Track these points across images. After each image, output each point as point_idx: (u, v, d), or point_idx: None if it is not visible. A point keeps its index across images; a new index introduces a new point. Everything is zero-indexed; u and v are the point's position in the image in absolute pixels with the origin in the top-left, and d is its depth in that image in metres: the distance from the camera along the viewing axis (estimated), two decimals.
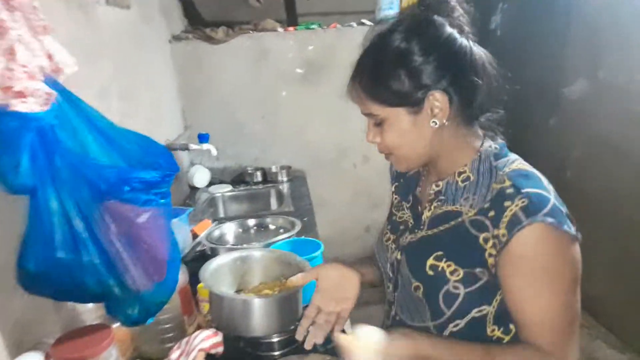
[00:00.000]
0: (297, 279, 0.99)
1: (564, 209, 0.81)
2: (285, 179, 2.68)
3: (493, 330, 0.88)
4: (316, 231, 1.84)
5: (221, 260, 1.11)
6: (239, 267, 1.13)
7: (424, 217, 0.93)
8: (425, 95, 0.85)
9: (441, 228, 0.88)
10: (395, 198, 1.09)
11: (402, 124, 0.87)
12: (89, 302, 0.96)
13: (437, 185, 0.92)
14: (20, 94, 0.80)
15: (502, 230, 0.79)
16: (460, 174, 0.89)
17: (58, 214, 0.90)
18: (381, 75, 0.87)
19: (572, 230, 0.80)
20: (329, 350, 1.04)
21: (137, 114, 1.85)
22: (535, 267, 0.79)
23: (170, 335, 1.09)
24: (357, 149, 2.89)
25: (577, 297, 0.83)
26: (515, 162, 0.86)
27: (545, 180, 0.84)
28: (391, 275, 0.99)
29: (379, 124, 0.90)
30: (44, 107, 0.83)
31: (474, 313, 0.86)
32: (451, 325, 0.87)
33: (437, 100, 0.85)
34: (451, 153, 0.90)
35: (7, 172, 0.84)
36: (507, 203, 0.79)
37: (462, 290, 0.84)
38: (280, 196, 2.49)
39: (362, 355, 0.80)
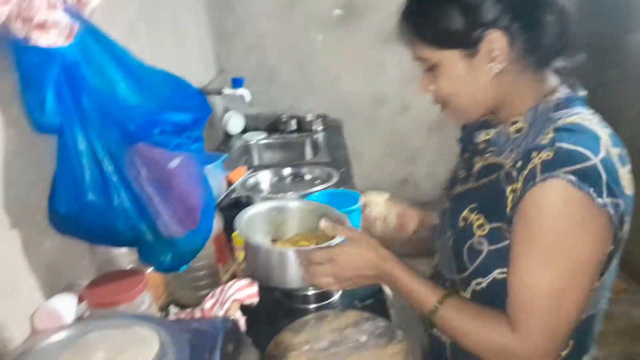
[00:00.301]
0: (327, 226, 0.93)
1: (606, 178, 0.68)
2: (320, 128, 2.60)
3: None
4: (353, 183, 1.77)
5: (257, 209, 1.07)
6: (274, 217, 1.08)
7: (475, 168, 0.88)
8: (481, 35, 0.76)
9: (483, 181, 0.83)
10: (460, 147, 1.02)
11: (457, 69, 0.79)
12: (121, 246, 0.94)
13: (487, 134, 0.84)
14: (41, 26, 0.75)
15: (519, 184, 0.72)
16: (513, 123, 0.80)
17: (87, 156, 0.86)
18: (432, 13, 0.79)
19: (603, 199, 0.68)
20: (366, 307, 1.00)
21: (167, 55, 1.78)
22: (536, 231, 0.70)
23: (204, 282, 1.07)
24: (395, 98, 2.76)
25: (585, 282, 0.71)
26: (576, 116, 0.76)
27: (606, 143, 0.73)
28: (438, 222, 0.97)
29: (432, 69, 0.82)
30: (67, 41, 0.78)
31: (496, 274, 0.80)
32: (474, 282, 0.83)
33: (496, 41, 0.76)
34: (513, 102, 0.81)
35: (33, 110, 0.81)
36: (534, 154, 0.71)
37: (485, 247, 0.79)
38: (315, 146, 2.42)
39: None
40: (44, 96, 0.80)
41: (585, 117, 0.77)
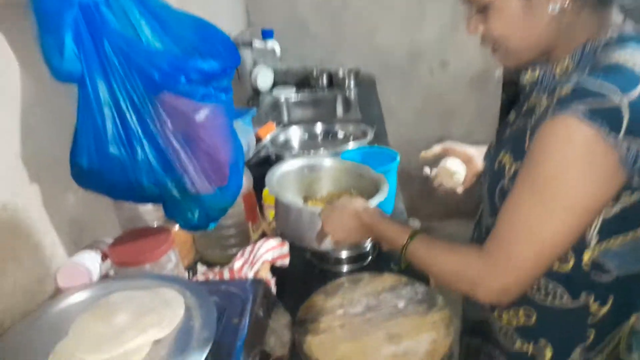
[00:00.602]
0: None
1: (631, 117, 0.61)
2: (352, 84, 2.49)
3: None
4: (387, 141, 1.69)
5: (288, 166, 1.01)
6: (306, 175, 1.03)
7: (522, 110, 0.82)
8: None
9: (523, 122, 0.77)
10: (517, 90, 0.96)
11: (511, 8, 0.71)
12: (145, 202, 0.90)
13: (533, 74, 0.79)
14: None
15: (533, 122, 0.68)
16: (560, 63, 0.75)
17: (109, 106, 0.81)
18: None
19: (616, 138, 0.61)
20: (403, 271, 0.94)
21: (193, 4, 1.69)
22: (532, 165, 0.67)
23: (233, 241, 1.03)
24: (433, 52, 2.61)
25: (573, 223, 0.66)
26: (625, 55, 0.67)
27: None
28: (485, 168, 0.92)
29: (482, 10, 0.74)
30: None
31: None
32: None
33: None
34: (568, 43, 0.73)
35: (52, 55, 0.76)
36: (557, 90, 0.66)
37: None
38: (347, 102, 2.32)
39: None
40: (62, 40, 0.74)
41: (634, 58, 0.67)
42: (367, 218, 0.85)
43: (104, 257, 0.83)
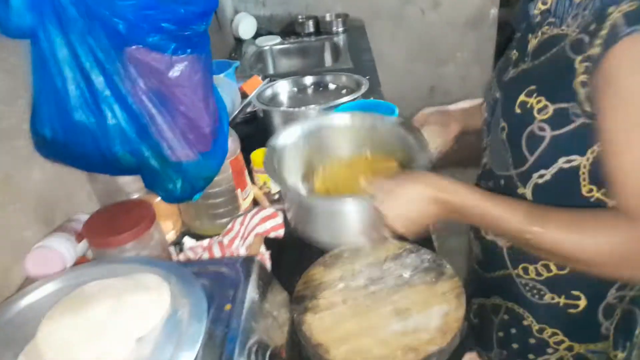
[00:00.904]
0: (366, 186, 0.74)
1: None
2: (340, 29, 2.34)
3: (590, 191, 0.69)
4: (380, 92, 1.58)
5: (287, 138, 0.85)
6: (311, 143, 0.88)
7: (529, 46, 0.74)
8: None
9: (542, 58, 0.70)
10: (513, 30, 0.87)
11: None
12: (121, 174, 0.81)
13: (544, 3, 0.71)
14: None
15: (596, 48, 0.59)
16: None
17: (69, 64, 0.70)
18: None
19: None
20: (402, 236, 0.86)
21: None
22: (628, 95, 0.58)
23: (222, 210, 0.94)
24: None
25: None
26: None
27: None
28: (487, 117, 0.84)
29: None
30: None
31: (562, 163, 0.69)
32: (535, 175, 0.72)
33: None
34: None
35: None
36: (610, 9, 0.58)
37: (548, 133, 0.68)
38: (336, 50, 2.19)
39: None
40: None
41: None
42: (449, 195, 0.68)
43: (79, 237, 0.75)
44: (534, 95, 0.69)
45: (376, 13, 2.49)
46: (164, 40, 0.69)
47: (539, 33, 0.73)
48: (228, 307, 0.60)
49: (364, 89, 1.22)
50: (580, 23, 0.64)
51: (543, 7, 0.71)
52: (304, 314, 0.72)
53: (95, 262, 0.65)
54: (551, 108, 0.66)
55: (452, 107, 1.00)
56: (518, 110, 0.71)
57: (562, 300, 0.77)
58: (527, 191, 0.74)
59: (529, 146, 0.70)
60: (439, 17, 2.50)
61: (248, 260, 0.66)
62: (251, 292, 0.62)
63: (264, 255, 0.79)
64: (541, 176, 0.72)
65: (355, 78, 1.32)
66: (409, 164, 0.80)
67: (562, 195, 0.71)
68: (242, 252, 0.77)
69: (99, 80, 0.72)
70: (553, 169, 0.70)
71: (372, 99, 1.24)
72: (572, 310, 0.77)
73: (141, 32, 0.68)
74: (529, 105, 0.69)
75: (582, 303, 0.76)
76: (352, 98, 1.18)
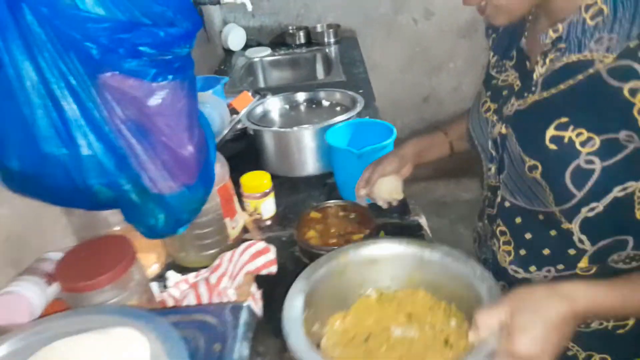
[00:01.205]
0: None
1: None
2: (332, 40, 2.29)
3: None
4: (375, 107, 1.53)
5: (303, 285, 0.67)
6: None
7: (535, 75, 0.71)
8: None
9: (562, 87, 0.67)
10: (493, 56, 0.84)
11: None
12: (98, 209, 0.74)
13: (555, 31, 0.68)
14: None
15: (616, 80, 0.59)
16: (588, 8, 0.64)
17: (38, 91, 0.64)
18: None
19: None
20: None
21: None
22: None
23: (210, 241, 0.88)
24: (417, 1, 2.41)
25: None
26: None
27: None
28: (494, 154, 0.79)
29: None
30: None
31: (617, 192, 0.65)
32: (585, 209, 0.68)
33: None
34: None
35: None
36: None
37: (598, 165, 0.64)
38: (328, 61, 2.13)
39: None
40: None
41: None
42: (579, 306, 0.58)
43: (51, 279, 0.68)
44: (570, 128, 0.65)
45: (368, 23, 2.45)
46: (143, 66, 0.63)
47: (547, 61, 0.69)
48: None
49: (359, 107, 1.16)
50: (613, 47, 0.61)
51: (555, 35, 0.68)
52: None
53: (66, 313, 0.59)
54: (598, 139, 0.63)
55: (405, 149, 0.97)
56: (553, 147, 0.67)
57: (610, 324, 0.75)
58: (574, 226, 0.70)
59: (576, 182, 0.66)
60: (431, 27, 2.47)
61: (236, 308, 0.60)
62: (240, 348, 0.56)
63: (255, 295, 0.72)
64: (592, 209, 0.67)
65: (349, 95, 1.26)
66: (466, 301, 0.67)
67: (616, 224, 0.68)
68: (231, 293, 0.71)
69: (71, 108, 0.65)
70: (607, 199, 0.66)
71: (367, 117, 1.19)
72: (620, 331, 0.75)
73: (117, 57, 0.62)
74: (566, 140, 0.65)
75: (631, 321, 0.74)
76: (347, 117, 1.12)
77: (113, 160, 0.68)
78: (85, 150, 0.67)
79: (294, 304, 0.61)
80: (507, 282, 0.82)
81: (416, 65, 2.57)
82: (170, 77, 0.64)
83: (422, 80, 2.60)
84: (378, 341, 0.66)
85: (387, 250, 0.73)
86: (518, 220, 0.77)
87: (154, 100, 0.65)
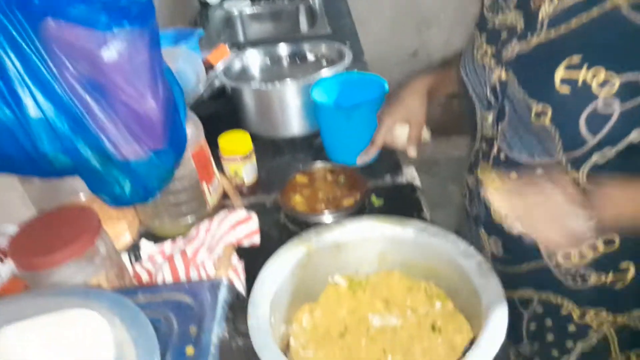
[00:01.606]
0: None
1: None
2: None
3: None
4: (363, 60, 1.44)
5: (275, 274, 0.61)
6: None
7: (541, 14, 0.65)
8: None
9: (573, 25, 0.62)
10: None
11: None
12: (55, 176, 0.66)
13: None
14: None
15: None
16: None
17: None
18: None
19: None
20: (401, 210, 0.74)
21: None
22: None
23: (186, 208, 0.82)
24: None
25: None
26: None
27: None
28: (493, 102, 0.73)
29: None
30: None
31: (634, 136, 0.62)
32: (596, 155, 0.65)
33: None
34: None
35: None
36: None
37: (617, 108, 0.60)
38: (312, 14, 2.01)
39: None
40: None
41: None
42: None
43: (3, 256, 0.61)
44: (585, 67, 0.60)
45: None
46: (92, 12, 0.54)
47: None
48: (190, 351, 0.48)
49: (347, 60, 1.08)
50: None
51: None
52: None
53: (18, 296, 0.52)
54: (617, 79, 0.58)
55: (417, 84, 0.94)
56: (565, 90, 0.62)
57: (609, 279, 0.73)
58: (580, 175, 0.67)
59: (591, 127, 0.62)
60: None
61: (214, 286, 0.54)
62: (219, 329, 0.50)
63: (237, 268, 0.67)
64: (603, 155, 0.64)
65: (336, 46, 1.17)
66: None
67: (627, 171, 0.64)
68: (209, 267, 0.65)
69: (14, 63, 0.57)
70: (620, 145, 0.63)
71: (356, 70, 1.10)
72: (619, 285, 0.74)
73: (61, 1, 0.53)
74: (580, 82, 0.60)
75: (630, 275, 0.73)
76: (334, 71, 1.04)
77: (67, 123, 0.60)
78: (33, 112, 0.59)
79: (259, 313, 0.55)
80: (501, 238, 0.80)
81: (405, 19, 2.46)
82: (125, 24, 0.56)
83: (411, 34, 2.50)
84: (356, 335, 0.60)
85: (354, 232, 0.66)
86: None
87: (109, 53, 0.56)
